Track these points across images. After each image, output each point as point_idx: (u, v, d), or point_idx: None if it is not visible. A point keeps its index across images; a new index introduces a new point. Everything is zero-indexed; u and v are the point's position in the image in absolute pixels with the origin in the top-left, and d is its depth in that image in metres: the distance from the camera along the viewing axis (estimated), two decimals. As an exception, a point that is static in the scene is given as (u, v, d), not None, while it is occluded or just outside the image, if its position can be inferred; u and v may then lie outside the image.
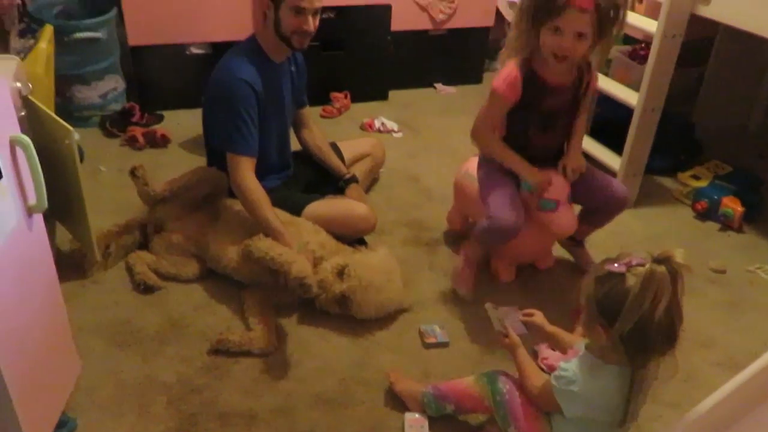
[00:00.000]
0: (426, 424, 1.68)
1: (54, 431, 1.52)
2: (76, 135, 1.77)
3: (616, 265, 1.29)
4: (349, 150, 2.60)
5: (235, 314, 2.03)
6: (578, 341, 1.52)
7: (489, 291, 2.15)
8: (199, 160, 2.56)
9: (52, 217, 2.04)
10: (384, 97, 3.55)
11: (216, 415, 1.70)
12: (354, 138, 2.83)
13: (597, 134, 2.83)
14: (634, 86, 2.60)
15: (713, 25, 2.48)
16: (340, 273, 2.01)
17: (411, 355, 1.94)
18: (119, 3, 2.96)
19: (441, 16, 3.52)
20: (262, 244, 1.94)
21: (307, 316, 2.04)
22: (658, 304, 1.22)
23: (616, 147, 2.66)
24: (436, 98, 3.65)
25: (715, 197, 2.63)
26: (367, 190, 2.67)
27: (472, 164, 2.20)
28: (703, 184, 2.75)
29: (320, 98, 3.29)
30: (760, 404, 1.25)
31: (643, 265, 1.25)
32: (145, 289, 2.07)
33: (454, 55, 3.69)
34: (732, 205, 2.58)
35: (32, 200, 1.36)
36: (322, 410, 1.74)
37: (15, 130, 1.31)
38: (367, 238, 2.33)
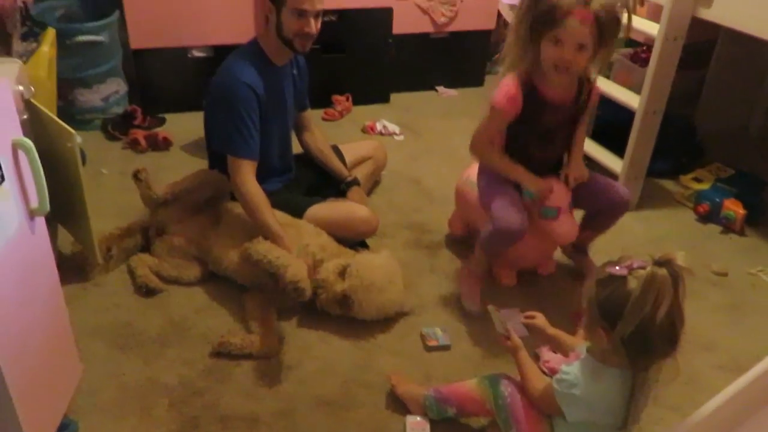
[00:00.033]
0: (427, 427, 1.68)
1: (55, 434, 1.52)
2: (78, 138, 1.78)
3: (617, 267, 1.29)
4: (350, 153, 2.60)
5: (237, 317, 2.03)
6: (580, 344, 1.52)
7: (491, 294, 2.15)
8: (201, 163, 2.56)
9: (54, 219, 2.05)
10: (386, 99, 3.55)
11: (217, 417, 1.70)
12: (355, 141, 2.84)
13: (598, 137, 2.83)
14: (636, 89, 2.60)
15: (714, 28, 2.48)
16: (342, 273, 2.01)
17: (413, 357, 1.94)
18: (121, 6, 2.97)
19: (442, 19, 3.53)
20: (261, 247, 1.94)
21: (308, 319, 2.04)
22: (660, 306, 1.22)
23: (618, 150, 2.66)
24: (437, 101, 3.66)
25: (717, 200, 2.63)
26: (369, 192, 2.67)
27: (473, 171, 2.20)
28: (704, 186, 2.74)
29: (322, 101, 3.30)
30: (763, 407, 1.25)
31: (644, 267, 1.25)
32: (147, 291, 2.08)
33: (456, 58, 3.70)
34: (734, 208, 2.58)
35: (34, 203, 1.36)
36: (324, 413, 1.74)
37: (17, 134, 1.31)
38: (368, 241, 2.33)
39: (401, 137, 3.22)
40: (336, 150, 2.56)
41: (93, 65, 2.95)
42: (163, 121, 3.15)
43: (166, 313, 2.02)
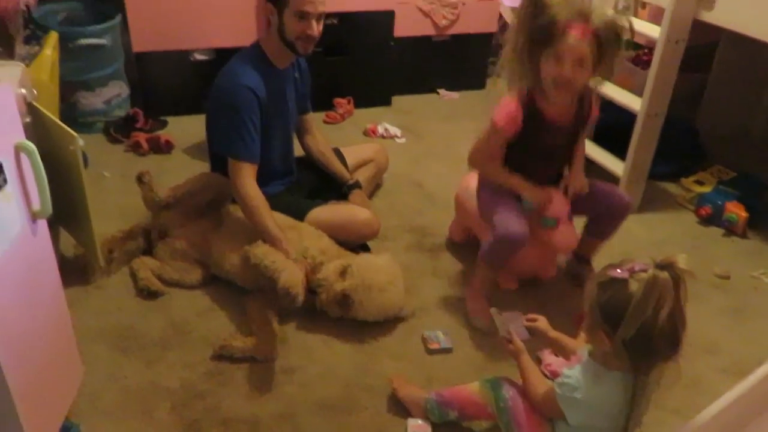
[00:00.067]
0: (429, 430, 1.68)
1: (57, 437, 1.52)
2: (80, 141, 1.78)
3: (618, 270, 1.28)
4: (352, 156, 2.60)
5: (238, 320, 2.03)
6: (581, 347, 1.52)
7: (493, 297, 2.15)
8: (203, 166, 2.56)
9: (56, 222, 2.05)
10: (387, 102, 3.56)
11: (219, 420, 1.70)
12: (357, 144, 2.84)
13: (600, 139, 2.83)
14: (637, 91, 2.59)
15: (716, 31, 2.48)
16: (343, 273, 2.00)
17: (414, 361, 1.94)
18: (124, 9, 2.97)
19: (444, 22, 3.53)
20: (259, 251, 1.94)
21: (309, 322, 2.03)
22: (661, 309, 1.21)
23: (620, 152, 2.66)
24: (439, 104, 3.66)
25: (719, 202, 2.63)
26: (371, 195, 2.67)
27: (473, 180, 2.19)
28: (706, 189, 2.74)
29: (323, 104, 3.30)
30: (766, 411, 1.24)
31: (645, 270, 1.25)
32: (149, 294, 2.08)
33: (457, 61, 3.70)
34: (736, 211, 2.58)
35: (36, 206, 1.36)
36: (325, 416, 1.74)
37: (20, 137, 1.32)
38: (370, 244, 2.33)
39: (403, 140, 3.22)
40: (338, 153, 2.56)
41: (95, 68, 2.96)
42: (164, 124, 3.16)
43: (167, 316, 2.03)
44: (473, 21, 3.59)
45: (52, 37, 2.32)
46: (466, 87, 3.77)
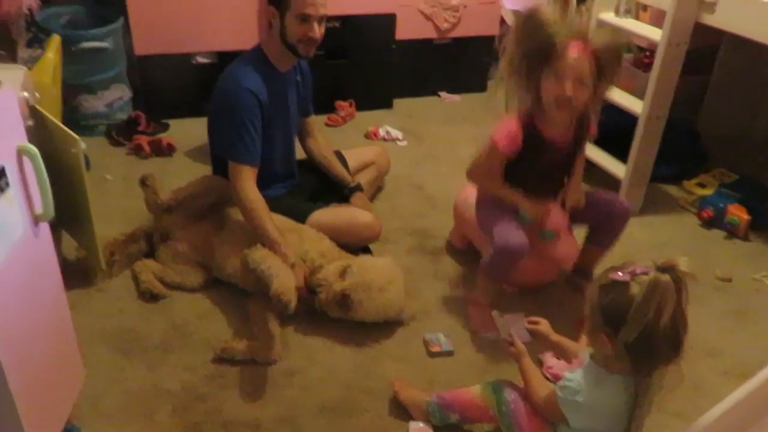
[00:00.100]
0: (430, 433, 1.68)
1: (59, 439, 1.52)
2: (82, 144, 1.79)
3: (620, 273, 1.28)
4: (353, 158, 2.60)
5: (240, 323, 2.03)
6: (583, 350, 1.51)
7: (495, 299, 2.14)
8: (205, 169, 2.57)
9: (58, 225, 2.05)
10: (389, 105, 3.56)
11: (220, 423, 1.70)
12: (359, 146, 2.84)
13: (602, 142, 2.83)
14: (639, 94, 2.60)
15: (718, 33, 2.48)
16: (343, 273, 2.00)
17: (416, 363, 1.94)
18: (126, 13, 2.98)
19: (445, 25, 3.54)
20: (256, 255, 1.95)
21: (311, 325, 2.03)
22: (663, 312, 1.21)
23: (621, 155, 2.66)
24: (440, 106, 3.66)
25: (721, 205, 2.63)
26: (372, 198, 2.67)
27: (471, 191, 2.18)
28: (708, 192, 2.74)
29: (325, 107, 3.31)
30: None
31: (647, 273, 1.25)
32: (151, 297, 2.08)
33: (459, 64, 3.71)
34: (738, 213, 2.58)
35: (39, 209, 1.37)
36: (327, 419, 1.73)
37: (22, 140, 1.32)
38: (371, 247, 2.33)
39: (404, 143, 3.23)
40: (339, 156, 2.56)
41: (97, 71, 2.97)
42: (166, 127, 3.16)
43: (169, 319, 2.03)
44: (474, 24, 3.59)
45: (55, 41, 2.32)
46: (467, 90, 3.77)
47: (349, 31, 3.28)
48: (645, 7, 2.85)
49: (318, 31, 2.11)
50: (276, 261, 1.94)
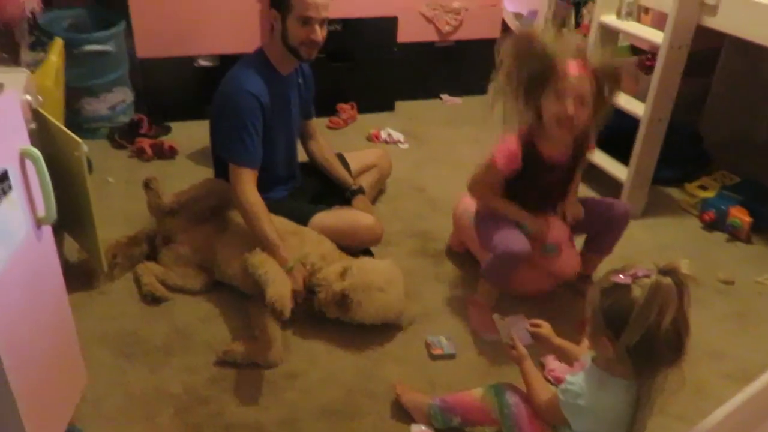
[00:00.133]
0: (432, 436, 1.68)
1: (61, 442, 1.52)
2: (84, 147, 1.79)
3: (621, 276, 1.28)
4: (355, 161, 2.61)
5: (242, 325, 2.03)
6: (585, 354, 1.51)
7: (496, 301, 2.14)
8: (207, 172, 2.57)
9: (60, 228, 2.06)
10: (390, 108, 3.56)
11: (222, 426, 1.70)
12: (360, 149, 2.84)
13: (604, 145, 2.83)
14: (641, 97, 2.60)
15: (719, 36, 2.48)
16: (343, 274, 2.00)
17: (417, 366, 1.93)
18: (128, 16, 2.99)
19: (447, 28, 3.54)
20: (255, 260, 1.95)
21: (312, 328, 2.03)
22: (665, 315, 1.21)
23: (623, 158, 2.66)
24: (442, 109, 3.67)
25: (723, 208, 2.62)
26: (374, 201, 2.67)
27: (470, 201, 2.17)
28: (710, 194, 2.74)
29: (327, 109, 3.31)
30: (770, 417, 1.24)
31: (648, 276, 1.25)
32: (153, 300, 2.08)
33: (460, 66, 3.71)
34: (740, 216, 2.57)
35: (41, 212, 1.37)
36: (328, 422, 1.73)
37: (25, 143, 1.32)
38: (373, 249, 2.33)
39: (406, 145, 3.23)
40: (341, 158, 2.56)
41: (100, 74, 2.98)
42: (168, 130, 3.17)
43: (171, 322, 2.03)
44: (476, 27, 3.60)
45: (57, 44, 2.33)
46: (468, 92, 3.77)
47: (351, 33, 3.29)
48: (647, 10, 2.85)
49: (320, 33, 2.12)
50: (273, 267, 1.93)
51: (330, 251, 2.13)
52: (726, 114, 3.26)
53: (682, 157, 2.93)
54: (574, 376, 1.40)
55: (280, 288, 1.85)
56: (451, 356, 1.97)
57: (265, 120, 2.15)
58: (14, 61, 2.49)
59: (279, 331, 1.96)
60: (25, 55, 2.60)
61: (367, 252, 2.31)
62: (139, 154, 2.94)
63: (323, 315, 2.01)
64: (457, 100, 3.74)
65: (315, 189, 2.50)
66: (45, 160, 1.34)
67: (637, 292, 1.24)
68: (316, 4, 2.06)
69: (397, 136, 3.26)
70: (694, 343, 1.30)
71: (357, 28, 3.29)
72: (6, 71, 1.95)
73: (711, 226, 2.65)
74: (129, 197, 2.58)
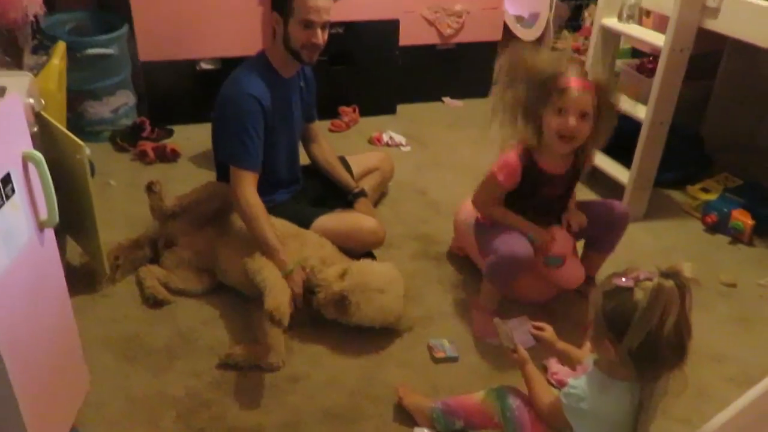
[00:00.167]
0: (435, 439, 1.67)
1: (63, 445, 1.52)
2: (87, 150, 1.79)
3: (623, 279, 1.28)
4: (357, 164, 2.61)
5: (244, 328, 2.03)
6: (587, 357, 1.51)
7: (499, 304, 2.14)
8: (209, 175, 2.57)
9: (62, 231, 2.06)
10: (392, 111, 3.56)
11: (224, 429, 1.70)
12: (362, 152, 2.84)
13: (606, 148, 2.83)
14: (643, 100, 2.60)
15: (721, 39, 2.48)
16: (343, 275, 2.00)
17: (420, 369, 1.93)
18: (131, 19, 3.00)
19: (449, 31, 3.55)
20: (255, 265, 1.95)
21: (315, 331, 2.03)
22: (667, 318, 1.21)
23: (625, 160, 2.66)
24: (443, 112, 3.67)
25: (725, 210, 2.62)
26: (376, 204, 2.68)
27: (470, 209, 2.17)
28: (712, 197, 2.73)
29: (329, 112, 3.31)
30: (773, 420, 1.24)
31: (651, 279, 1.24)
32: (155, 303, 2.08)
33: (462, 69, 3.71)
34: (742, 218, 2.57)
35: (44, 215, 1.37)
36: (331, 425, 1.73)
37: (28, 146, 1.33)
38: (375, 252, 2.33)
39: (408, 148, 3.23)
40: (343, 161, 2.56)
41: (102, 78, 2.98)
42: (171, 133, 3.17)
43: (173, 325, 2.03)
44: (478, 30, 3.60)
45: (60, 47, 2.33)
46: (470, 95, 3.78)
47: (353, 37, 3.29)
48: (648, 13, 2.85)
49: (321, 37, 2.12)
50: (272, 272, 1.94)
51: (330, 254, 2.13)
52: (728, 116, 3.25)
53: (684, 159, 2.93)
54: (577, 379, 1.40)
55: (278, 296, 1.85)
56: (454, 359, 1.97)
57: (267, 123, 2.15)
58: (17, 64, 2.50)
59: (281, 334, 1.96)
60: (28, 58, 2.61)
61: (369, 255, 2.31)
62: (142, 157, 2.94)
63: (327, 319, 2.01)
64: (459, 102, 3.74)
65: (317, 192, 2.50)
66: (47, 164, 1.34)
67: (639, 295, 1.24)
68: (317, 8, 2.07)
69: (399, 139, 3.26)
70: (697, 346, 1.30)
71: (359, 31, 3.29)
72: (9, 75, 1.95)
73: (713, 229, 2.65)
74: (131, 200, 2.58)
